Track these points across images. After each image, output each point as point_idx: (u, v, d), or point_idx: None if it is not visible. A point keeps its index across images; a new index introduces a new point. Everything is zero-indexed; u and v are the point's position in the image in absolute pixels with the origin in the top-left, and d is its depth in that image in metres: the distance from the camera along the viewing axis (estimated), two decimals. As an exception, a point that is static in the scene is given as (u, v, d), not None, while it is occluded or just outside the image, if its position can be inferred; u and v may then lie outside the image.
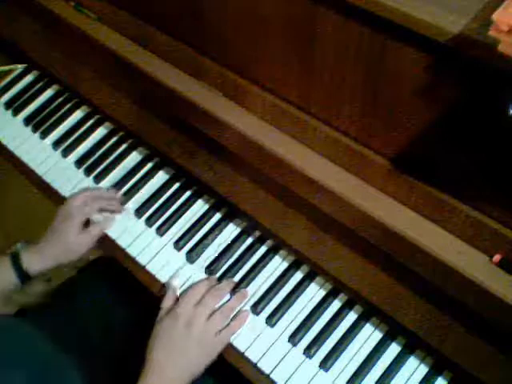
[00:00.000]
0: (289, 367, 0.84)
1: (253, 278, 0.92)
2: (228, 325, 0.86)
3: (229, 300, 0.89)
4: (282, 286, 0.91)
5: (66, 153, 1.09)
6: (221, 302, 0.88)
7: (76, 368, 0.84)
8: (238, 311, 0.88)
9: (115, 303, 1.04)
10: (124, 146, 1.09)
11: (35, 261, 0.92)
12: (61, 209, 0.96)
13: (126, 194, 1.02)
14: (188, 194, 1.02)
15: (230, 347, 0.86)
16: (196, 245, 0.96)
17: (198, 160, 0.95)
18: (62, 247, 0.94)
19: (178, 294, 0.90)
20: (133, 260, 0.95)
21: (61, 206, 0.97)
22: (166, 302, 0.88)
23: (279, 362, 0.84)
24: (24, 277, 0.91)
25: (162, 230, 0.98)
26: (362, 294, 0.81)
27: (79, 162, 1.07)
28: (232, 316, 0.88)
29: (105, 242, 0.98)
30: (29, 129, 1.14)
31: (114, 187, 1.03)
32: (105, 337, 1.00)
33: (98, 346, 0.98)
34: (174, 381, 0.81)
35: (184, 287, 0.91)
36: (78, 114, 1.15)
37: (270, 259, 0.94)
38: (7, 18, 1.17)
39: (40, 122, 1.14)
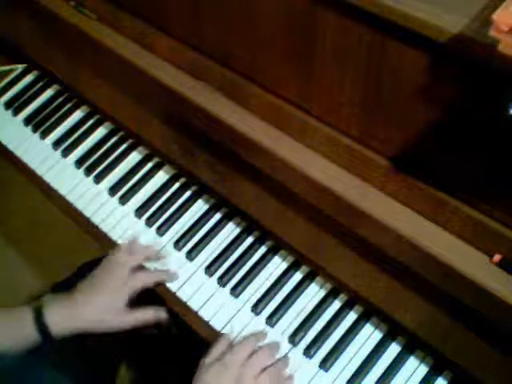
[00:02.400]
0: (289, 367, 0.84)
1: (253, 278, 0.92)
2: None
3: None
4: (282, 286, 0.91)
5: (65, 153, 1.09)
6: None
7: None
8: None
9: None
10: (124, 146, 1.09)
11: (60, 320, 0.77)
12: (115, 262, 0.83)
13: (126, 193, 1.02)
14: (188, 193, 1.02)
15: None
16: (196, 245, 0.96)
17: (198, 160, 0.95)
18: (101, 314, 0.79)
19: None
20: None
21: (113, 258, 0.85)
22: (219, 348, 0.80)
23: (279, 362, 0.84)
24: (47, 337, 0.77)
25: (161, 230, 0.98)
26: (361, 293, 0.81)
27: (79, 162, 1.07)
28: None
29: (105, 242, 0.98)
30: (29, 129, 1.14)
31: (114, 187, 1.03)
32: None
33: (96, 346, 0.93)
34: None
35: (186, 288, 0.91)
36: (77, 114, 1.15)
37: (270, 259, 0.94)
38: (7, 18, 1.17)
39: (40, 122, 1.14)
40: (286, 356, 0.84)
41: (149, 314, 0.85)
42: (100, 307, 0.79)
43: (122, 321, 0.81)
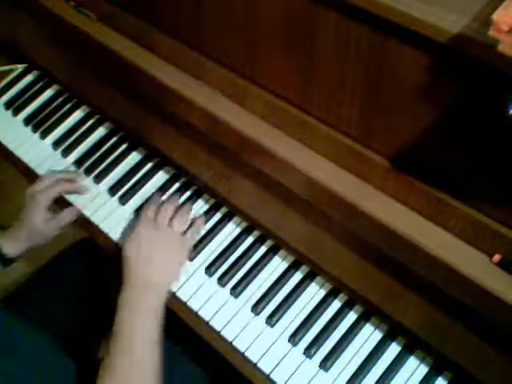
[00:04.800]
0: (289, 367, 0.84)
1: (253, 278, 0.92)
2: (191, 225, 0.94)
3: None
4: (282, 286, 0.91)
5: (65, 153, 1.09)
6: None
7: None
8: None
9: (97, 284, 1.09)
10: (124, 146, 1.09)
11: (11, 245, 0.97)
12: (26, 194, 1.00)
13: (125, 193, 1.02)
14: (188, 194, 1.02)
15: (229, 347, 0.86)
16: (196, 245, 0.96)
17: (198, 160, 0.95)
18: (32, 231, 0.98)
19: None
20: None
21: (27, 190, 1.01)
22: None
23: (279, 362, 0.84)
24: (4, 260, 0.97)
25: (162, 230, 0.98)
26: (361, 293, 0.81)
27: (79, 162, 1.07)
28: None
29: (106, 242, 0.98)
30: (29, 129, 1.14)
31: (114, 187, 1.03)
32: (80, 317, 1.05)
33: (78, 324, 1.04)
34: (152, 285, 0.84)
35: (186, 288, 0.91)
36: (77, 114, 1.15)
37: (270, 259, 0.94)
38: (7, 18, 1.17)
39: (40, 122, 1.14)
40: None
41: (69, 214, 1.01)
42: (29, 228, 0.98)
43: (51, 228, 0.99)
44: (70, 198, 1.03)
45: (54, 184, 1.01)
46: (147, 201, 1.01)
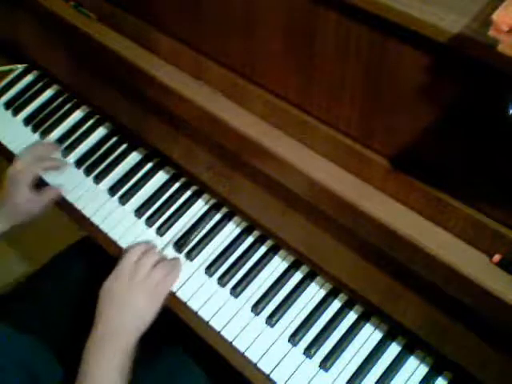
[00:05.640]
0: (289, 367, 0.84)
1: (253, 278, 0.92)
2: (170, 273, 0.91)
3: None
4: (282, 286, 0.91)
5: (66, 153, 1.09)
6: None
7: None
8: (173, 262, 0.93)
9: (97, 283, 1.06)
10: (124, 146, 1.09)
11: None
12: (8, 172, 1.01)
13: (125, 193, 1.02)
14: (188, 193, 1.02)
15: (229, 347, 0.86)
16: (196, 245, 0.96)
17: (198, 160, 0.95)
18: (14, 209, 1.00)
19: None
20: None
21: (8, 168, 1.01)
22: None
23: (279, 362, 0.84)
24: None
25: (161, 230, 0.98)
26: (361, 293, 0.81)
27: (79, 162, 1.07)
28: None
29: (105, 242, 0.98)
30: (29, 129, 1.14)
31: (114, 187, 1.03)
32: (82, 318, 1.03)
33: (76, 322, 1.01)
34: (122, 329, 0.83)
35: (186, 288, 0.91)
36: (77, 114, 1.15)
37: (270, 259, 0.94)
38: (7, 18, 1.17)
39: (40, 122, 1.14)
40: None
41: (52, 191, 1.02)
42: (12, 207, 0.99)
43: (32, 206, 1.01)
44: (71, 197, 1.03)
45: (34, 161, 1.02)
46: (147, 201, 1.01)
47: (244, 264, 0.93)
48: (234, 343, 0.86)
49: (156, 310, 0.86)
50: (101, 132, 1.12)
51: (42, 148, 1.08)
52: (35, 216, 1.03)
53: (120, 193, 1.03)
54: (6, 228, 1.00)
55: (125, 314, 0.84)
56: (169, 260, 0.93)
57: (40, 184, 1.04)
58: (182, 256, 0.95)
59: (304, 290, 0.90)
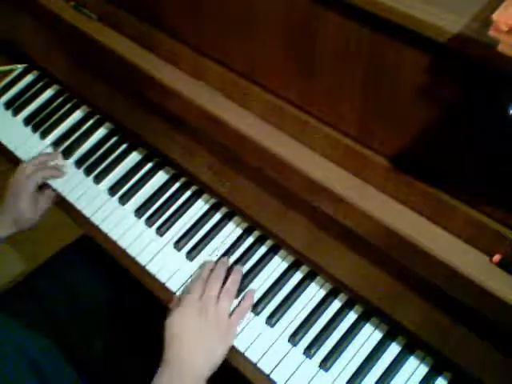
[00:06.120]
0: (289, 367, 0.84)
1: (253, 278, 0.92)
2: (238, 305, 0.88)
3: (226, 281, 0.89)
4: (282, 286, 0.91)
5: (66, 153, 1.09)
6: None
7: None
8: (243, 292, 0.90)
9: (95, 282, 1.09)
10: (124, 146, 1.09)
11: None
12: (12, 180, 1.02)
13: (125, 193, 1.02)
14: (188, 193, 1.02)
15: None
16: (196, 245, 0.96)
17: (198, 160, 0.95)
18: (18, 217, 1.01)
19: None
20: (133, 260, 0.96)
21: (11, 177, 1.03)
22: (174, 303, 0.88)
23: (279, 361, 0.84)
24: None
25: (161, 230, 0.98)
26: (361, 293, 0.81)
27: (79, 162, 1.07)
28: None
29: (105, 242, 0.98)
30: (29, 129, 1.14)
31: (114, 187, 1.03)
32: (82, 316, 1.05)
33: (76, 322, 1.04)
34: (194, 371, 0.79)
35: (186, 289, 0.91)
36: (77, 114, 1.15)
37: (270, 259, 0.94)
38: (7, 18, 1.17)
39: (40, 122, 1.14)
40: (236, 270, 0.91)
41: (49, 196, 1.05)
42: (15, 214, 1.01)
43: (34, 213, 1.03)
44: (71, 197, 1.03)
45: (37, 170, 1.03)
46: (147, 201, 1.01)
47: (244, 264, 0.93)
48: (234, 343, 0.86)
49: (228, 347, 0.83)
50: (101, 132, 1.12)
51: (45, 157, 1.07)
52: (36, 223, 1.04)
53: (120, 193, 1.03)
54: (9, 234, 1.01)
55: (198, 355, 0.80)
56: (230, 286, 0.88)
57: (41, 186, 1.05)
58: (182, 256, 0.95)
59: (304, 290, 0.90)
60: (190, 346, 0.80)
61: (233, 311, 0.87)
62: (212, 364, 0.81)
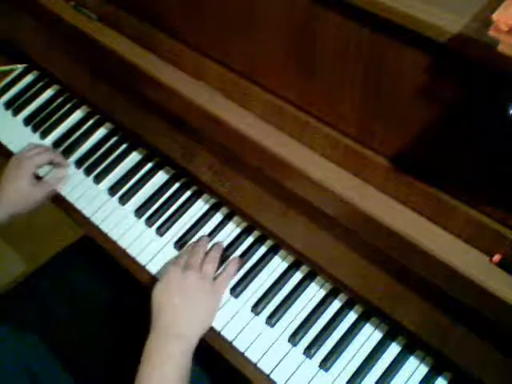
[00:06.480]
0: (289, 367, 0.84)
1: (253, 278, 0.92)
2: (223, 269, 0.90)
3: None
4: (282, 286, 0.91)
5: (66, 153, 1.09)
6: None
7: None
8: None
9: (96, 283, 1.09)
10: (124, 146, 1.09)
11: None
12: (12, 159, 1.00)
13: (125, 193, 1.02)
14: (188, 194, 1.02)
15: (229, 347, 0.86)
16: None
17: (198, 160, 0.95)
18: (16, 196, 0.98)
19: None
20: (133, 260, 0.96)
21: (13, 156, 1.01)
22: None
23: (279, 362, 0.84)
24: None
25: (162, 230, 0.98)
26: (361, 293, 0.81)
27: (79, 162, 1.07)
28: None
29: (105, 242, 0.98)
30: (29, 129, 1.14)
31: (114, 187, 1.03)
32: (83, 315, 1.06)
33: (76, 322, 1.04)
34: (186, 332, 0.81)
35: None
36: (77, 114, 1.15)
37: (270, 259, 0.94)
38: (7, 18, 1.17)
39: (40, 122, 1.14)
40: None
41: (54, 180, 1.03)
42: (13, 193, 0.98)
43: (34, 195, 0.99)
44: (71, 197, 1.03)
45: (40, 152, 1.02)
46: (147, 201, 1.01)
47: (244, 264, 0.93)
48: (234, 343, 0.86)
49: (214, 311, 0.86)
50: (101, 132, 1.12)
51: (49, 148, 1.07)
52: (36, 205, 1.01)
53: (120, 193, 1.03)
54: (6, 215, 0.97)
55: (184, 318, 0.82)
56: (215, 248, 0.92)
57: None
58: (182, 256, 0.95)
59: (304, 290, 0.90)
60: (175, 310, 0.82)
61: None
62: (198, 326, 0.83)
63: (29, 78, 1.21)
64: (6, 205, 0.97)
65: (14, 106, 1.17)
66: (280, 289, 0.91)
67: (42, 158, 1.02)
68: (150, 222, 0.99)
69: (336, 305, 0.89)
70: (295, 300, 0.89)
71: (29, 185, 0.98)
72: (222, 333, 0.87)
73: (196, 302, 0.84)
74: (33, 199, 1.00)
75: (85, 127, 1.13)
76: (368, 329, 0.86)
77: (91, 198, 1.03)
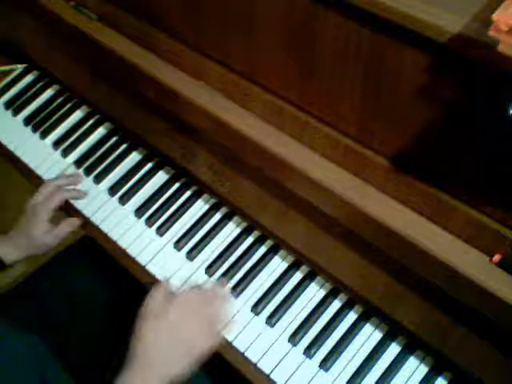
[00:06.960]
0: (289, 367, 0.84)
1: (253, 278, 0.92)
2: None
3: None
4: (282, 286, 0.91)
5: (66, 153, 1.09)
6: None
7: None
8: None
9: (96, 283, 1.09)
10: (124, 146, 1.09)
11: (9, 251, 0.97)
12: (28, 206, 1.00)
13: (125, 193, 1.02)
14: (188, 194, 1.02)
15: (229, 347, 0.86)
16: (196, 245, 0.96)
17: (198, 160, 0.95)
18: (31, 242, 0.98)
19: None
20: (133, 260, 0.96)
21: (28, 201, 1.00)
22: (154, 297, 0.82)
23: (279, 362, 0.84)
24: (0, 265, 0.97)
25: (162, 230, 0.98)
26: (361, 293, 0.81)
27: (79, 162, 1.07)
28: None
29: (105, 242, 0.98)
30: (29, 129, 1.14)
31: (114, 187, 1.03)
32: (84, 315, 1.05)
33: (76, 323, 1.04)
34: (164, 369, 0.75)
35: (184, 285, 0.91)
36: (77, 114, 1.15)
37: (270, 259, 0.94)
38: (7, 18, 1.17)
39: (40, 122, 1.14)
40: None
41: (68, 225, 1.01)
42: (28, 239, 0.98)
43: (51, 239, 0.99)
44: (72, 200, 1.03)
45: (54, 194, 1.00)
46: (147, 201, 1.01)
47: (244, 264, 0.93)
48: (234, 343, 0.86)
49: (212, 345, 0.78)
50: (101, 132, 1.12)
51: (65, 180, 1.05)
52: (50, 248, 1.01)
53: (120, 193, 1.03)
54: (21, 257, 0.98)
55: (167, 354, 0.76)
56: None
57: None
58: (182, 256, 0.95)
59: (304, 290, 0.90)
60: (158, 345, 0.76)
61: None
62: (178, 368, 0.75)
63: (29, 78, 1.21)
64: (20, 251, 0.98)
65: (14, 105, 1.17)
66: (280, 289, 0.91)
67: (55, 201, 1.00)
68: (149, 222, 0.99)
69: (336, 305, 0.89)
70: (295, 300, 0.89)
71: (42, 233, 0.98)
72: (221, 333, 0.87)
73: (190, 336, 0.77)
74: (46, 245, 1.00)
75: (85, 127, 1.13)
76: (368, 329, 0.86)
77: (91, 198, 1.03)
